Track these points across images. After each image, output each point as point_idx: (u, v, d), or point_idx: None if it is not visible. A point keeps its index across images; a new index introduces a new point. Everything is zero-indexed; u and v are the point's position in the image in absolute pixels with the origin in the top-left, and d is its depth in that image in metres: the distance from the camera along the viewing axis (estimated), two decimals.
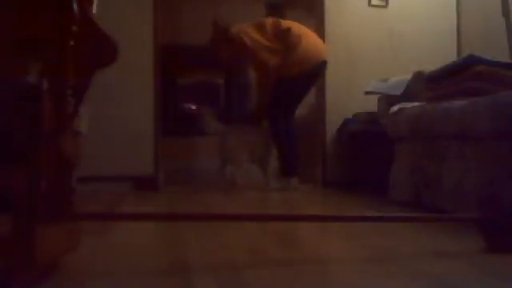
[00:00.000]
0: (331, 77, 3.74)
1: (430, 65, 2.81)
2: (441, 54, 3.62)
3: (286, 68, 3.50)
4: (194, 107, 5.58)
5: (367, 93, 3.34)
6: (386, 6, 3.94)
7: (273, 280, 1.23)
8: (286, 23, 3.60)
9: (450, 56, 3.60)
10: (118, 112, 3.41)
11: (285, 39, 3.52)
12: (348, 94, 3.76)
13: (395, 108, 2.77)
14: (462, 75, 2.35)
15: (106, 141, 3.30)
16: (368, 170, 3.53)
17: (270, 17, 3.75)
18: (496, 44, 3.38)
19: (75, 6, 1.17)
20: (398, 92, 2.98)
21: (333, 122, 3.79)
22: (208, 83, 5.63)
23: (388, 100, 2.97)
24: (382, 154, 3.04)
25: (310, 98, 3.90)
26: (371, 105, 3.27)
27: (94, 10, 1.45)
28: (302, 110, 4.10)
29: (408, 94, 2.91)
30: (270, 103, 3.61)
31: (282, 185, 3.49)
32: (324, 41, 3.76)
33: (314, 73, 3.61)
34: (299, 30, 3.57)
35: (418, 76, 2.90)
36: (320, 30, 3.86)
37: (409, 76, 3.01)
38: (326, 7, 3.84)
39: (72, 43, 1.17)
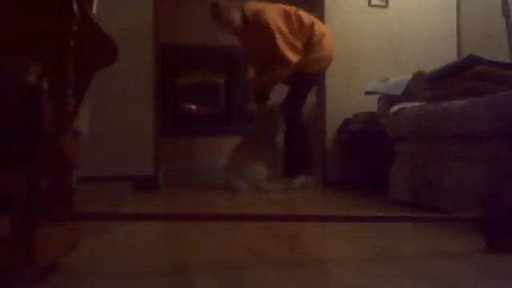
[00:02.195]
0: (331, 77, 3.74)
1: (430, 65, 2.80)
2: (441, 54, 3.62)
3: (308, 64, 3.52)
4: (194, 107, 5.57)
5: (367, 93, 3.34)
6: (386, 6, 3.93)
7: (273, 280, 1.23)
8: (308, 18, 3.59)
9: (450, 56, 3.61)
10: (117, 112, 3.40)
11: (308, 34, 3.52)
12: (348, 94, 3.76)
13: (395, 108, 2.77)
14: (462, 75, 2.35)
15: (106, 141, 3.30)
16: (368, 170, 3.53)
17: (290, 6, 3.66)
18: (496, 44, 3.38)
19: (75, 6, 1.17)
20: (398, 92, 2.98)
21: (333, 121, 3.78)
22: (208, 83, 5.62)
23: (388, 100, 2.97)
24: (382, 154, 3.04)
25: (311, 97, 3.90)
26: (371, 105, 3.26)
27: (94, 9, 1.45)
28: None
29: (408, 93, 2.91)
30: (290, 101, 3.60)
31: (284, 185, 3.49)
32: None
33: (323, 72, 3.67)
34: (320, 27, 3.59)
35: (418, 76, 2.90)
36: None
37: (409, 76, 3.01)
38: (326, 7, 3.83)
39: (72, 43, 1.17)
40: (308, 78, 3.60)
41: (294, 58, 3.46)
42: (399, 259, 1.44)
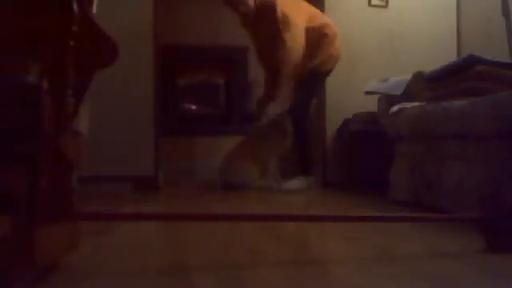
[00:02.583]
0: (331, 77, 3.74)
1: (430, 65, 2.81)
2: (441, 54, 3.62)
3: (323, 63, 3.54)
4: (194, 107, 5.58)
5: (367, 93, 3.34)
6: (386, 6, 3.93)
7: (273, 280, 1.23)
8: (321, 16, 3.62)
9: (450, 56, 3.61)
10: (117, 112, 3.40)
11: (319, 29, 3.53)
12: (348, 94, 3.76)
13: (395, 108, 2.77)
14: (462, 75, 2.35)
15: (106, 141, 3.30)
16: (368, 169, 3.53)
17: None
18: (496, 44, 3.38)
19: (75, 6, 1.17)
20: (398, 92, 2.98)
21: (333, 121, 3.79)
22: (208, 83, 5.62)
23: (388, 100, 2.97)
24: (382, 154, 3.04)
25: None
26: (371, 105, 3.27)
27: (94, 9, 1.45)
28: None
29: (408, 93, 2.91)
30: (301, 102, 3.60)
31: (299, 184, 3.48)
32: None
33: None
34: (333, 28, 3.61)
35: (418, 76, 2.90)
36: None
37: (409, 76, 3.01)
38: (326, 7, 3.83)
39: (72, 43, 1.17)
40: (321, 77, 3.64)
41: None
42: (399, 259, 1.44)
